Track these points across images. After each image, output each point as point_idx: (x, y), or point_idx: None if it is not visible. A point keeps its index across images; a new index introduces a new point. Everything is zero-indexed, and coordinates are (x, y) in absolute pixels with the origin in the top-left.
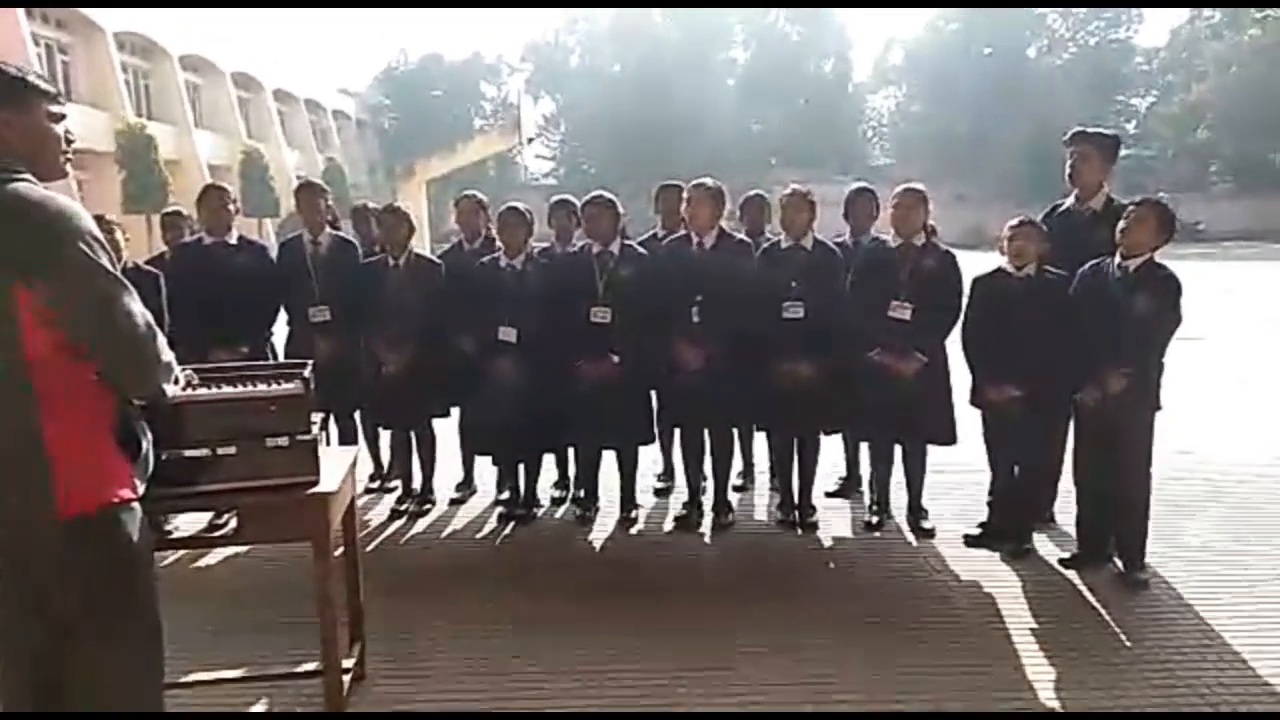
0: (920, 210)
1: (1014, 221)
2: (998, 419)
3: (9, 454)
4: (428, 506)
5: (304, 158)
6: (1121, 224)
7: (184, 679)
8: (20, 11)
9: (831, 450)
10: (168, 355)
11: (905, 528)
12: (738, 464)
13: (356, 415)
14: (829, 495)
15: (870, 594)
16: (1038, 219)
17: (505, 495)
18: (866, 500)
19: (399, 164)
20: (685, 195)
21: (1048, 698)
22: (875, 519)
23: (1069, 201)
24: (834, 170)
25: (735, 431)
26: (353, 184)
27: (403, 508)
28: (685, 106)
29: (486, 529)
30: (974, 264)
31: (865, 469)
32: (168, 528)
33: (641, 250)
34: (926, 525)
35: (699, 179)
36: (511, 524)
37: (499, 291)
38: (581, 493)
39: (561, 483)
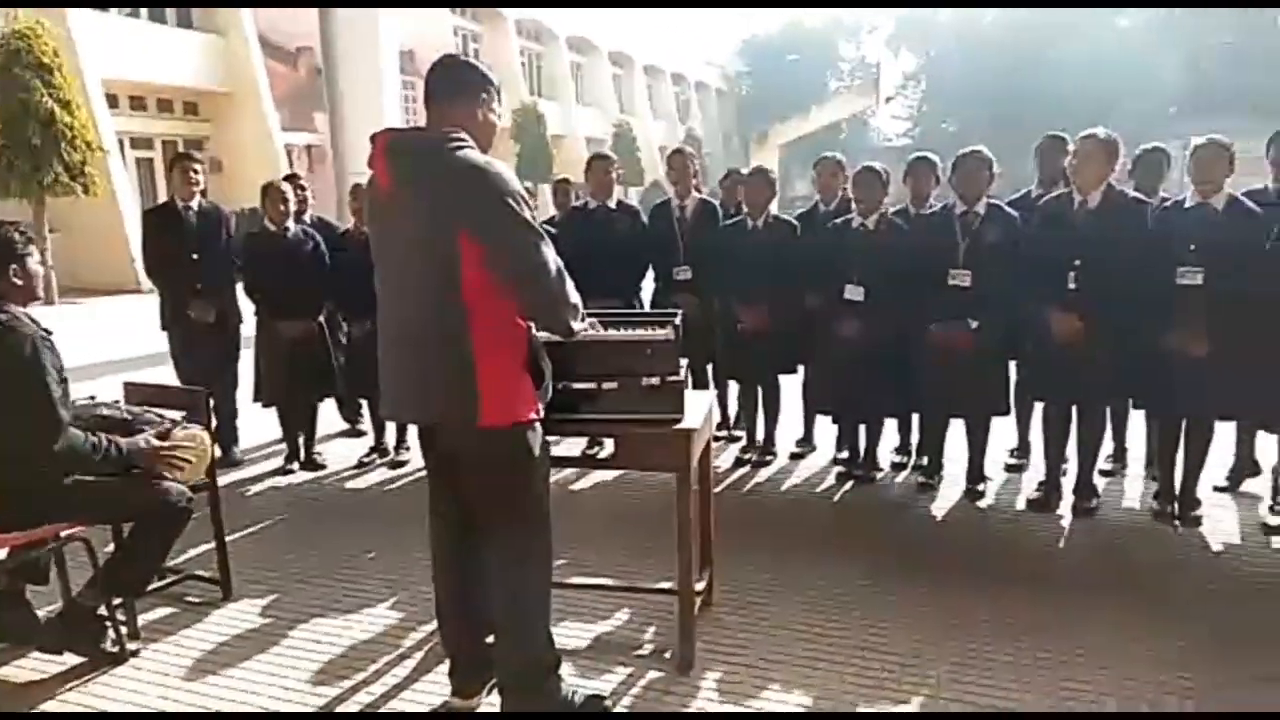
0: None
1: None
2: None
3: (449, 371)
4: (769, 458)
5: (667, 129)
6: None
7: (565, 580)
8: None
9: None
10: (575, 298)
11: None
12: (1108, 446)
13: (708, 368)
14: (1217, 490)
15: (1260, 606)
16: None
17: (844, 454)
18: (1267, 500)
19: (754, 130)
20: (1071, 148)
21: None
22: (1277, 520)
23: None
24: (1251, 120)
25: (1108, 410)
26: (709, 152)
27: (746, 457)
28: (1068, 53)
29: (824, 485)
30: None
31: (1267, 462)
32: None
33: (1010, 211)
34: None
35: (1088, 130)
36: (850, 483)
37: (846, 250)
38: (924, 460)
39: (903, 448)
